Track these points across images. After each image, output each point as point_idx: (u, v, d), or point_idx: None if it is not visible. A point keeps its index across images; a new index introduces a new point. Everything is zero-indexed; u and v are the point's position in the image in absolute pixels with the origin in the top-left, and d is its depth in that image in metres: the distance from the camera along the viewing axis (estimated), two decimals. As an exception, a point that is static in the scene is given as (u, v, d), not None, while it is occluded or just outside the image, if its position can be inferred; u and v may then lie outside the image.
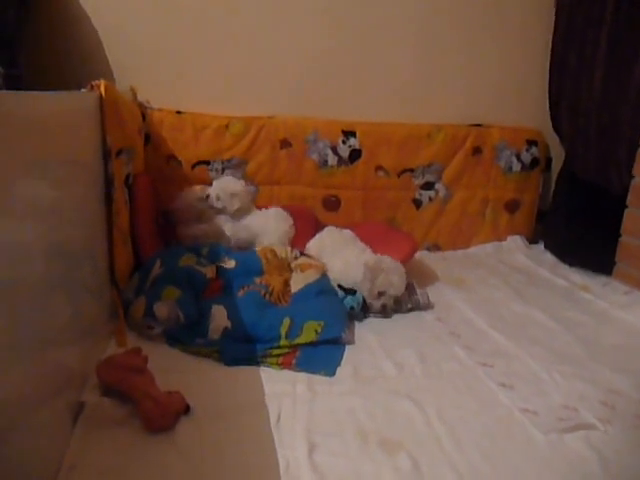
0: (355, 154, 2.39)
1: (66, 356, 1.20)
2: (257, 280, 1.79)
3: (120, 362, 1.29)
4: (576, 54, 2.33)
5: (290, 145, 2.33)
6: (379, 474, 1.09)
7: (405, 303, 1.84)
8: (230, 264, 1.87)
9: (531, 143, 2.54)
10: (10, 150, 0.88)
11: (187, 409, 1.23)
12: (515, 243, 2.61)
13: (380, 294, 1.78)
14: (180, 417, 1.21)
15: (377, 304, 1.79)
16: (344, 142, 2.37)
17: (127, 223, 1.77)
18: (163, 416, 1.17)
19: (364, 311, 1.79)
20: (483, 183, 2.56)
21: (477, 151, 2.51)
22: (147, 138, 2.19)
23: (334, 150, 2.37)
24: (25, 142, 0.96)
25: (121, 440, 1.14)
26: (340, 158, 2.38)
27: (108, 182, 1.57)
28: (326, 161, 2.37)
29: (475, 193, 2.57)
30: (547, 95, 2.51)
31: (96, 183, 1.53)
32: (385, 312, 1.80)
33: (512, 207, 2.61)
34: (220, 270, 1.84)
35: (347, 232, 2.11)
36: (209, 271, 1.82)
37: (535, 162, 2.56)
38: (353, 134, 2.38)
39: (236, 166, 2.29)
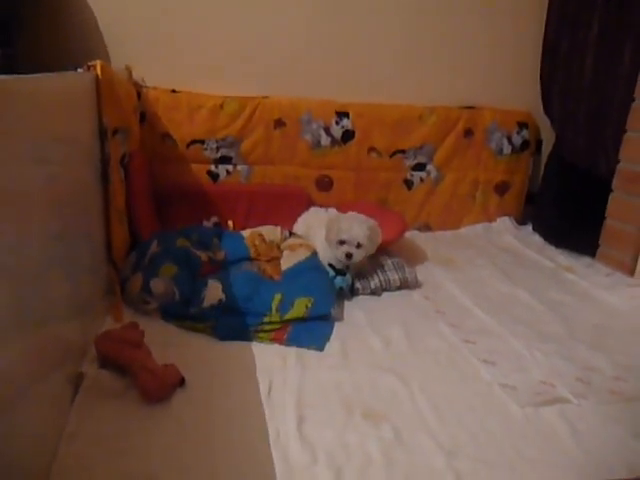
0: (348, 135, 2.42)
1: (65, 330, 1.25)
2: (247, 266, 1.85)
3: (118, 336, 1.34)
4: (568, 38, 2.36)
5: (284, 125, 2.35)
6: (363, 444, 1.15)
7: (393, 281, 1.88)
8: (220, 255, 1.90)
9: (522, 125, 2.58)
10: (6, 131, 0.90)
11: (182, 381, 1.28)
12: (504, 224, 2.67)
13: (342, 242, 1.82)
14: (176, 389, 1.27)
15: (341, 254, 1.81)
16: (337, 123, 2.40)
17: (123, 202, 1.80)
18: (159, 388, 1.23)
19: (353, 292, 1.84)
20: (474, 165, 2.60)
21: (468, 133, 2.55)
22: (142, 117, 2.20)
23: (327, 131, 2.40)
24: (22, 123, 0.98)
25: (119, 411, 1.20)
26: (333, 139, 2.41)
27: (104, 162, 1.60)
28: (319, 141, 2.40)
29: (466, 175, 2.61)
30: (539, 78, 2.54)
31: (92, 163, 1.56)
32: (350, 261, 1.82)
33: (502, 189, 2.65)
34: (211, 261, 1.88)
35: (332, 211, 2.14)
36: (203, 256, 1.86)
37: (525, 144, 2.60)
38: (346, 115, 2.41)
39: (230, 145, 2.32)
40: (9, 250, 0.90)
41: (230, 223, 2.27)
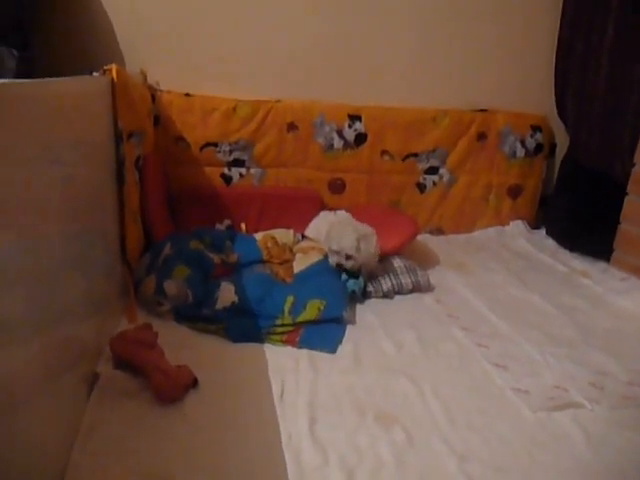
0: (361, 138, 2.42)
1: (80, 330, 1.27)
2: (259, 268, 1.86)
3: (132, 337, 1.36)
4: (583, 40, 2.35)
5: (297, 128, 2.36)
6: (375, 446, 1.16)
7: (405, 284, 1.88)
8: (232, 258, 1.91)
9: (535, 129, 2.56)
10: (24, 134, 0.91)
11: (195, 382, 1.29)
12: (517, 228, 2.65)
13: (334, 252, 1.84)
14: (189, 390, 1.28)
15: (333, 263, 1.83)
16: (350, 126, 2.40)
17: (137, 203, 1.82)
18: (173, 389, 1.24)
19: (365, 295, 1.84)
20: (487, 168, 2.59)
21: (482, 136, 2.54)
22: (156, 120, 2.22)
23: (340, 134, 2.40)
24: (39, 126, 0.99)
25: (133, 410, 1.21)
26: (346, 142, 2.41)
27: (119, 164, 1.62)
28: (332, 145, 2.41)
29: (479, 178, 2.60)
30: (553, 81, 2.53)
31: (108, 165, 1.58)
32: (343, 269, 1.83)
33: (515, 192, 2.64)
34: (224, 263, 1.90)
35: (341, 213, 2.14)
36: (216, 258, 1.88)
37: (539, 148, 2.59)
38: (359, 118, 2.41)
39: (243, 148, 2.33)
40: (26, 251, 0.91)
41: (243, 226, 2.28)
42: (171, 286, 1.65)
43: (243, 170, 2.37)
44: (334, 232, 1.82)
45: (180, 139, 2.28)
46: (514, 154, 2.57)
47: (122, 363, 1.32)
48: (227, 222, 2.30)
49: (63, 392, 1.12)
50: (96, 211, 1.46)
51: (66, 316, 1.14)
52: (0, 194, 0.80)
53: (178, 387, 1.26)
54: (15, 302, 0.86)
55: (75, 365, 1.20)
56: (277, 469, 1.08)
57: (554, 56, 2.51)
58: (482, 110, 2.54)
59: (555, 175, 2.65)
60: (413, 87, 2.51)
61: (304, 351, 1.50)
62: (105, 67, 1.58)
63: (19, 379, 0.87)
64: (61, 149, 1.14)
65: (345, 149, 2.42)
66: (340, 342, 1.55)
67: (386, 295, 1.87)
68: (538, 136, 2.57)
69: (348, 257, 1.81)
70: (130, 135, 1.70)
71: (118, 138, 1.60)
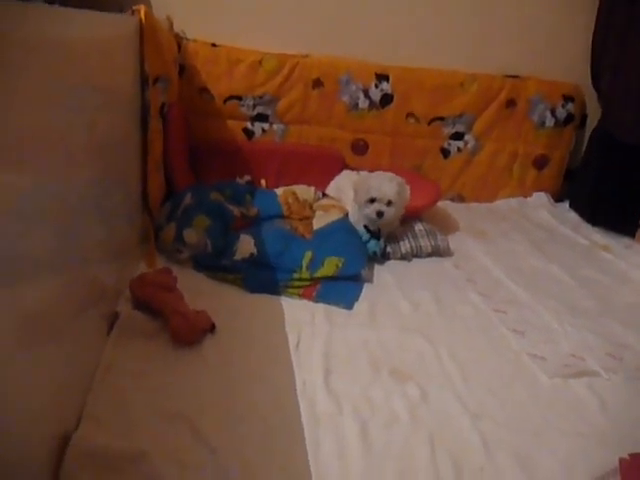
0: (387, 99, 2.37)
1: (102, 272, 1.28)
2: (279, 223, 1.86)
3: (152, 279, 1.36)
4: (624, 11, 2.25)
5: (322, 85, 2.32)
6: (389, 400, 1.17)
7: (425, 247, 1.87)
8: (252, 212, 1.90)
9: (567, 98, 2.49)
10: (50, 75, 0.90)
11: (213, 327, 1.30)
12: (540, 200, 2.60)
13: (372, 200, 1.78)
14: (206, 334, 1.29)
15: (372, 213, 1.77)
16: (376, 86, 2.35)
17: (160, 151, 1.81)
18: (191, 331, 1.25)
19: (384, 256, 1.83)
20: (514, 137, 2.53)
21: (511, 104, 2.47)
22: (181, 69, 2.18)
23: (366, 93, 2.35)
24: (63, 65, 0.97)
25: (151, 350, 1.23)
26: (371, 102, 2.36)
27: (144, 110, 1.60)
28: (357, 104, 2.36)
29: (504, 147, 2.54)
30: (590, 50, 2.44)
31: (133, 110, 1.56)
32: (381, 219, 1.77)
33: (541, 163, 2.58)
34: (244, 216, 1.89)
35: (364, 174, 2.11)
36: (236, 210, 1.87)
37: (569, 118, 2.52)
38: (386, 78, 2.35)
39: (267, 103, 2.30)
40: (51, 194, 0.91)
41: (263, 182, 2.26)
42: (191, 235, 1.65)
43: (266, 125, 2.34)
44: (373, 181, 1.78)
45: (204, 90, 2.25)
46: (543, 123, 2.51)
47: (141, 304, 1.33)
48: (247, 177, 2.28)
49: (85, 328, 1.13)
50: (120, 158, 1.45)
51: (88, 257, 1.15)
52: (24, 137, 0.79)
53: (196, 330, 1.27)
54: (41, 241, 0.86)
55: (96, 304, 1.22)
56: (290, 413, 1.10)
57: (592, 24, 2.41)
58: (513, 76, 2.47)
59: (583, 147, 2.58)
60: (444, 48, 2.43)
61: (320, 305, 1.50)
62: (134, 7, 1.54)
63: (45, 313, 0.88)
64: (86, 92, 1.12)
65: (370, 109, 2.38)
66: (357, 299, 1.55)
67: (404, 257, 1.85)
68: (569, 106, 2.49)
69: (389, 203, 1.76)
70: (156, 80, 1.68)
71: (144, 82, 1.58)
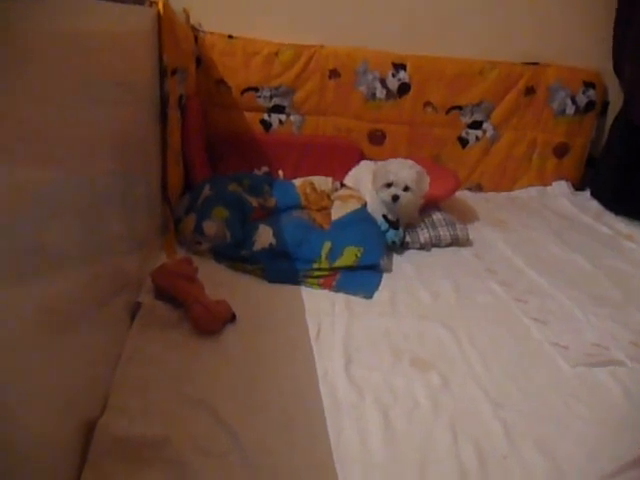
0: (404, 88, 2.35)
1: (123, 262, 1.29)
2: (297, 213, 1.85)
3: (173, 269, 1.37)
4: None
5: (339, 75, 2.31)
6: (410, 388, 1.16)
7: (444, 237, 1.85)
8: (271, 202, 1.91)
9: (588, 85, 2.45)
10: (71, 64, 0.89)
11: (233, 317, 1.31)
12: (560, 188, 2.57)
13: (389, 185, 1.77)
14: (226, 324, 1.30)
15: (387, 197, 1.76)
16: (394, 75, 2.33)
17: (179, 143, 1.81)
18: (211, 321, 1.26)
19: (402, 245, 1.82)
20: (533, 125, 2.50)
21: (530, 91, 2.44)
22: (198, 62, 2.20)
23: (383, 83, 2.34)
24: (83, 57, 0.96)
25: (173, 339, 1.24)
26: (389, 91, 2.35)
27: (163, 101, 1.61)
28: (374, 94, 2.35)
29: (524, 135, 2.51)
30: (612, 35, 2.39)
31: (151, 102, 1.56)
32: (396, 204, 1.76)
33: (561, 151, 2.55)
34: (262, 207, 1.89)
35: (379, 164, 2.10)
36: (254, 201, 1.87)
37: (590, 105, 2.47)
38: (403, 67, 2.34)
39: (284, 94, 2.30)
40: (75, 187, 0.92)
41: (280, 173, 2.26)
42: (210, 226, 1.66)
43: (283, 117, 2.34)
44: (392, 165, 1.77)
45: (221, 82, 2.26)
46: (563, 111, 2.47)
47: (163, 294, 1.34)
48: (265, 169, 2.29)
49: (108, 318, 1.15)
50: (140, 150, 1.46)
51: (111, 248, 1.16)
52: (45, 130, 0.79)
53: (216, 320, 1.28)
54: (65, 233, 0.87)
55: (119, 294, 1.23)
56: (312, 402, 1.10)
57: (614, 9, 2.36)
58: (532, 63, 2.43)
59: (605, 135, 2.54)
60: (461, 36, 2.40)
61: (340, 295, 1.50)
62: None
63: (69, 303, 0.89)
64: (105, 84, 1.12)
65: (387, 99, 2.36)
66: (377, 288, 1.55)
67: (423, 247, 1.84)
68: (590, 93, 2.45)
69: (406, 188, 1.75)
70: (174, 72, 1.68)
71: (162, 73, 1.58)
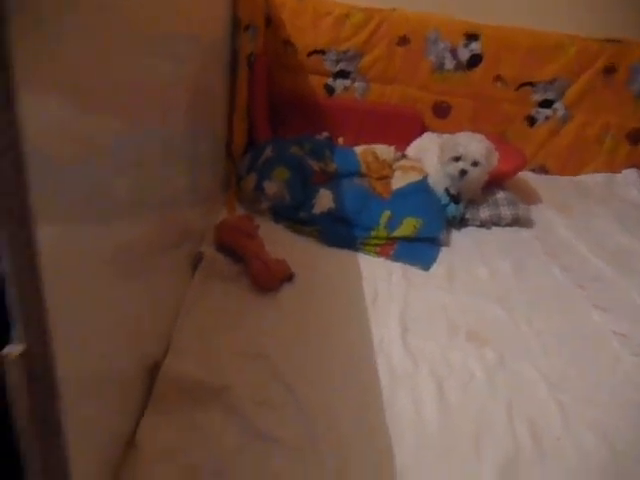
0: (475, 59, 2.27)
1: (188, 215, 1.32)
2: (357, 180, 1.84)
3: (235, 225, 1.40)
4: None
5: (409, 42, 2.24)
6: (466, 362, 1.16)
7: (504, 216, 1.81)
8: (331, 167, 1.89)
9: (673, 68, 2.30)
10: (147, 17, 0.87)
11: (291, 276, 1.33)
12: (630, 177, 2.44)
13: (457, 159, 1.72)
14: (284, 283, 1.32)
15: (455, 171, 1.71)
16: (465, 45, 2.25)
17: (245, 101, 1.82)
18: (270, 278, 1.28)
19: (462, 221, 1.78)
20: (608, 107, 2.37)
21: (610, 71, 2.31)
22: (267, 21, 2.18)
23: (454, 53, 2.26)
24: (158, 10, 0.94)
25: (232, 292, 1.27)
26: (458, 62, 2.27)
27: (234, 56, 1.61)
28: (443, 64, 2.27)
29: (597, 117, 2.39)
30: None
31: (223, 57, 1.57)
32: (463, 179, 1.72)
33: (636, 137, 2.42)
34: (323, 171, 1.88)
35: (447, 136, 2.05)
36: (315, 165, 1.86)
37: (673, 90, 2.33)
38: (476, 37, 2.25)
39: (351, 59, 2.25)
40: (146, 139, 0.93)
41: (341, 140, 2.24)
42: (271, 186, 1.67)
43: (347, 82, 2.30)
44: (462, 139, 1.73)
45: (288, 43, 2.23)
46: (643, 94, 2.34)
47: (224, 248, 1.36)
48: (325, 134, 2.26)
49: (172, 265, 1.18)
50: (208, 105, 1.47)
51: (176, 199, 1.18)
52: (120, 82, 0.79)
53: (275, 278, 1.29)
54: (135, 182, 0.88)
55: (183, 244, 1.26)
56: (367, 367, 1.11)
57: None
58: (615, 40, 2.29)
59: (686, 122, 2.39)
60: (539, 8, 2.28)
61: (397, 264, 1.49)
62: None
63: (137, 248, 0.91)
64: (179, 38, 1.11)
65: (456, 70, 2.28)
66: (434, 261, 1.53)
67: (483, 224, 1.80)
68: (677, 75, 2.30)
69: (475, 163, 1.70)
70: (246, 28, 1.68)
71: (235, 28, 1.58)
